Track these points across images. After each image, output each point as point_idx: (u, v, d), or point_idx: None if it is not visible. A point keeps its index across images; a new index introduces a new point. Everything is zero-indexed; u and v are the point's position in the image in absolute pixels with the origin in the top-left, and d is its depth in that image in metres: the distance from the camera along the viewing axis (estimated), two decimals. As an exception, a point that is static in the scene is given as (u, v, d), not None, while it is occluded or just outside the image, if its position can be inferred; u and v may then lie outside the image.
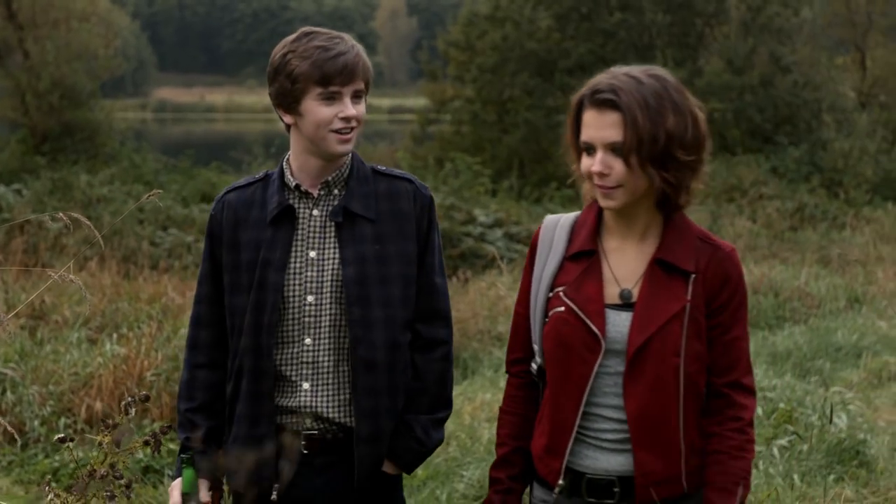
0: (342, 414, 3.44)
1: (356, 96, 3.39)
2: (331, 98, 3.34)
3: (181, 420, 3.53)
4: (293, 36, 3.42)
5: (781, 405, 7.50)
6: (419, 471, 6.87)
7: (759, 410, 7.45)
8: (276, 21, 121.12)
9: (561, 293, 3.08)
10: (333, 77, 3.32)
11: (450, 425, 7.80)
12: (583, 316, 3.03)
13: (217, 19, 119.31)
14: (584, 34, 27.34)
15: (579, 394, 3.04)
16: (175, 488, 3.42)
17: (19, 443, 7.37)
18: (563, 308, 3.07)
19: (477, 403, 8.18)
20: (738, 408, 3.03)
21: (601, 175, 2.99)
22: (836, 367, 9.19)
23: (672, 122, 2.93)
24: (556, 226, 3.20)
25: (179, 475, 3.42)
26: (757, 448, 6.86)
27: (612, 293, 3.05)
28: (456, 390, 8.81)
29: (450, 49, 29.51)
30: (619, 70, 3.02)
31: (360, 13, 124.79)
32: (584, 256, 3.10)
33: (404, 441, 3.48)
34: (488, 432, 7.42)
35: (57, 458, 6.99)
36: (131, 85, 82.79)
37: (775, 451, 6.71)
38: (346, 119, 3.35)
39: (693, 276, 3.02)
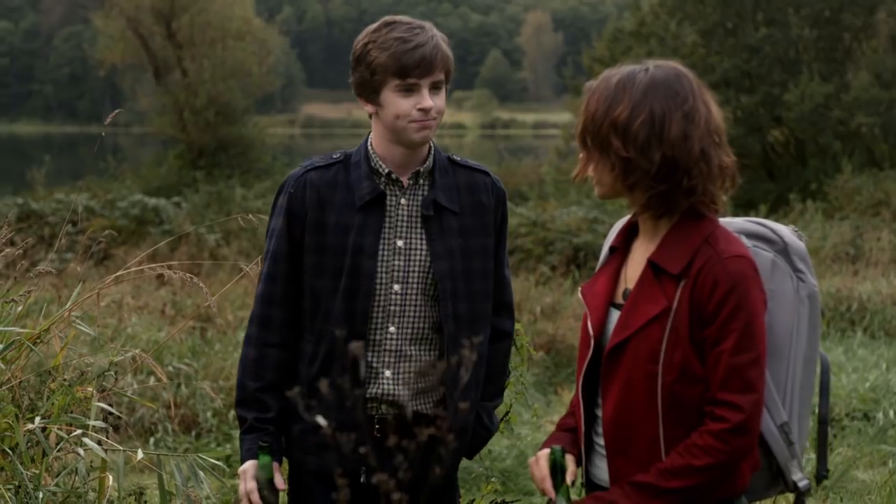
0: (418, 401, 3.42)
1: (435, 87, 3.34)
2: (409, 90, 3.31)
3: (247, 398, 3.44)
4: (374, 25, 3.38)
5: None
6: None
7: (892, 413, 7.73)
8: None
9: (579, 290, 3.02)
10: (411, 69, 3.28)
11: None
12: (587, 312, 2.94)
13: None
14: (730, 49, 27.24)
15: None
16: (248, 473, 3.35)
17: (193, 432, 7.93)
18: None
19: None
20: (718, 420, 2.71)
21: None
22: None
23: (620, 113, 2.76)
24: (618, 223, 3.10)
25: (250, 458, 3.38)
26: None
27: (621, 292, 2.92)
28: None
29: (594, 65, 29.50)
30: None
31: (506, 29, 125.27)
32: (612, 253, 3.01)
33: (475, 428, 3.55)
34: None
35: (228, 446, 7.49)
36: (280, 101, 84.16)
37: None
38: (424, 111, 3.31)
39: (683, 281, 2.77)
